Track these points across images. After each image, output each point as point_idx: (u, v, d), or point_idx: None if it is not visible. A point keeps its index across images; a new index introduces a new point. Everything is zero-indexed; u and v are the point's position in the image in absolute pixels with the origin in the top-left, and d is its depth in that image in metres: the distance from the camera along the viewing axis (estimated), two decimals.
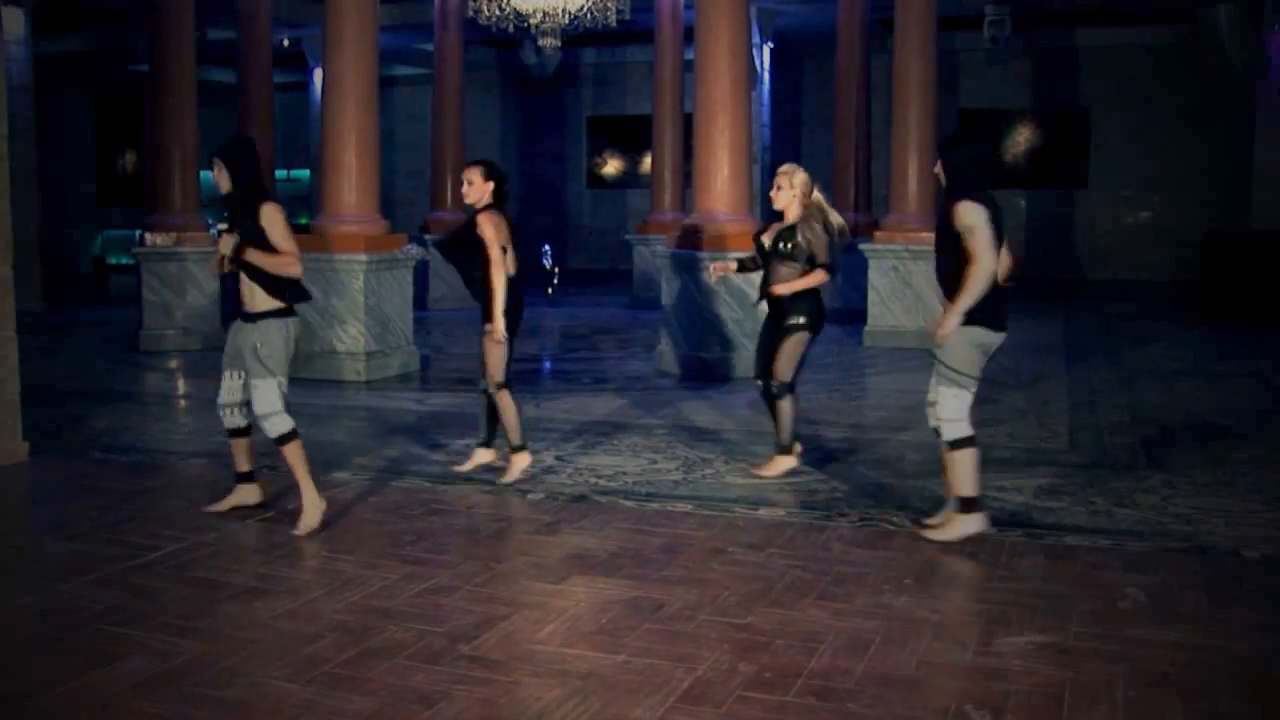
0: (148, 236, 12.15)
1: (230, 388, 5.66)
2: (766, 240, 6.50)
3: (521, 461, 6.42)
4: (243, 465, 5.79)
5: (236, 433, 5.72)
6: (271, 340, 5.43)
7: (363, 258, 9.88)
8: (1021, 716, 3.52)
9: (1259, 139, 16.36)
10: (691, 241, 10.03)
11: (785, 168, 6.49)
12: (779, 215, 6.48)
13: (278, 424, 5.48)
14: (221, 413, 5.72)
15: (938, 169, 5.30)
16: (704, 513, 5.81)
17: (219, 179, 5.51)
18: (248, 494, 5.83)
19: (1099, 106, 20.68)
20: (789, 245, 6.36)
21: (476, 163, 6.35)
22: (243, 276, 5.49)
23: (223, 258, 5.46)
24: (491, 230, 6.14)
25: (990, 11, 17.31)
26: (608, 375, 10.42)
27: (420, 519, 5.73)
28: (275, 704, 3.60)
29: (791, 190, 6.38)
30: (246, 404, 5.63)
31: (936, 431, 5.33)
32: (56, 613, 4.42)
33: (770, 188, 6.48)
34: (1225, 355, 11.47)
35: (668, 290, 10.39)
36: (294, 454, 5.52)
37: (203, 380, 10.33)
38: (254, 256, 5.39)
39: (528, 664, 3.92)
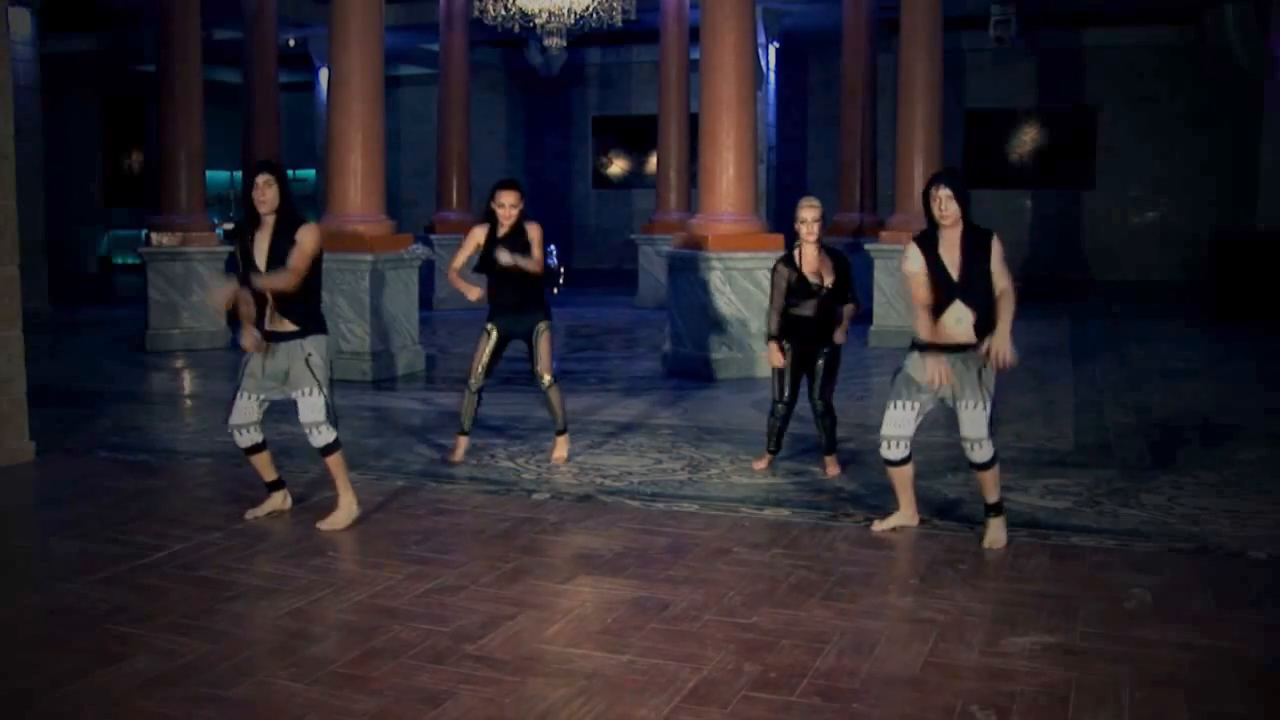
0: (153, 236, 12.18)
1: (245, 408, 5.53)
2: (827, 279, 6.31)
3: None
4: (269, 475, 5.74)
5: (252, 450, 5.63)
6: (322, 350, 5.47)
7: (368, 257, 9.89)
8: (1027, 717, 3.52)
9: (1266, 139, 16.31)
10: (697, 241, 10.03)
11: (816, 201, 6.35)
12: (790, 227, 6.47)
13: (325, 434, 5.47)
14: (235, 434, 5.58)
15: (947, 194, 5.00)
16: (709, 513, 5.81)
17: (264, 193, 5.31)
18: (281, 500, 5.79)
19: (1105, 107, 20.64)
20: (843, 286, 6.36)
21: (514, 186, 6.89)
22: (271, 300, 5.39)
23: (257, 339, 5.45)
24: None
25: (996, 11, 17.29)
26: (613, 375, 10.42)
27: (426, 519, 5.73)
28: (280, 703, 3.61)
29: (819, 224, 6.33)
30: (259, 423, 5.57)
31: (890, 462, 5.32)
32: (62, 612, 4.42)
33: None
34: (1232, 355, 11.45)
35: (672, 290, 10.38)
36: (336, 463, 5.56)
37: (209, 380, 10.35)
38: (266, 282, 5.33)
39: (533, 664, 3.92)
